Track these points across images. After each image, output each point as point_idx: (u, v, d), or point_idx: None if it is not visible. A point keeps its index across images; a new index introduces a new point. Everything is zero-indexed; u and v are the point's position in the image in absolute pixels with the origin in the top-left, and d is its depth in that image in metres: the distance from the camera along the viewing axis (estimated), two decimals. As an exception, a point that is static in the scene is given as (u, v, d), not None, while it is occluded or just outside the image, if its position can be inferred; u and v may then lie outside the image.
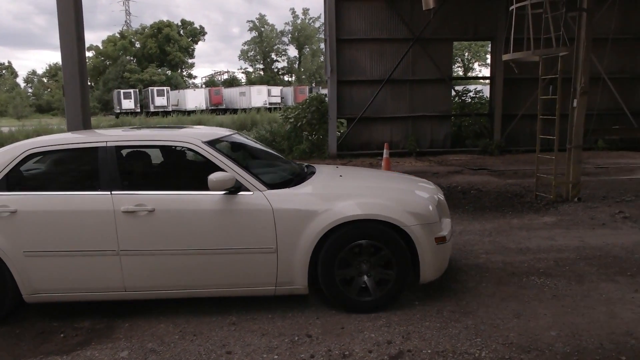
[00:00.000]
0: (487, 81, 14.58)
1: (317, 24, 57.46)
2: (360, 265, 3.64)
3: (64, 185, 3.81)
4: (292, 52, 61.35)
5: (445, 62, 13.56)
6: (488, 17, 13.11)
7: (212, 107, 41.87)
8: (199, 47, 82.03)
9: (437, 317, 3.54)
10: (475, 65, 52.75)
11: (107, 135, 3.85)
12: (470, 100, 14.79)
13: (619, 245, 5.06)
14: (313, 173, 4.21)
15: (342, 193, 3.72)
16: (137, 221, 3.53)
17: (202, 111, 38.54)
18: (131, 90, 41.62)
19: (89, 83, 49.85)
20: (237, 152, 4.20)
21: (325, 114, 13.69)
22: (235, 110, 39.36)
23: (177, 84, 49.97)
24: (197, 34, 57.00)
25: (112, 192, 3.58)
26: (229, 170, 3.60)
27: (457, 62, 50.71)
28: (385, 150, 9.84)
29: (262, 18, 59.61)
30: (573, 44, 7.06)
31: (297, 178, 4.01)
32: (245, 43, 61.78)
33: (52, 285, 3.60)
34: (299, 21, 58.97)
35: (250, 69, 60.75)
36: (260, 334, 3.39)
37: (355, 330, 3.40)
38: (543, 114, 7.52)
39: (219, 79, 60.40)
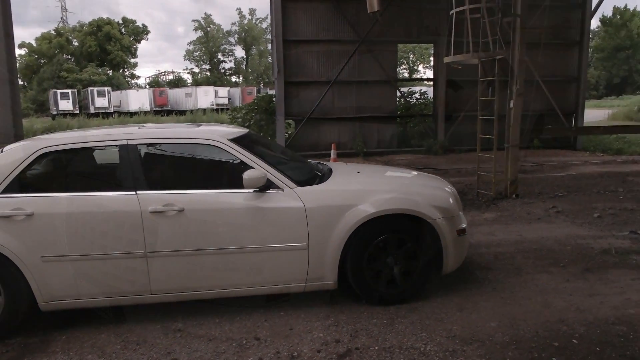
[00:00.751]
0: (431, 83, 15.05)
1: (264, 25, 57.11)
2: (386, 258, 3.71)
3: (83, 185, 3.59)
4: (240, 52, 60.62)
5: (391, 64, 13.86)
6: (431, 21, 13.51)
7: (157, 109, 40.62)
8: (142, 47, 79.20)
9: (384, 314, 3.60)
10: (420, 67, 54.29)
11: (125, 133, 3.66)
12: (415, 101, 15.20)
13: (552, 238, 5.35)
14: (331, 170, 4.25)
15: (368, 189, 3.79)
16: (165, 221, 3.40)
17: (145, 112, 37.30)
18: (69, 91, 39.60)
19: (22, 82, 47.01)
20: (257, 150, 4.04)
21: (273, 115, 13.62)
22: (182, 112, 38.36)
23: (119, 85, 48.08)
24: (139, 33, 55.08)
25: (138, 192, 3.43)
26: (258, 168, 3.56)
27: (403, 64, 51.97)
28: (332, 151, 9.92)
29: (207, 17, 58.52)
30: (509, 48, 7.42)
31: (320, 175, 4.05)
32: (190, 43, 60.46)
33: (73, 291, 3.40)
34: (245, 21, 58.34)
35: (197, 70, 59.47)
36: (207, 339, 3.32)
37: (304, 330, 3.40)
38: (483, 115, 7.84)
39: (164, 79, 58.70)
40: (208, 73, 58.48)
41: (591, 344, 3.10)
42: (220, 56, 59.90)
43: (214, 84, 49.22)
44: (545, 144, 13.98)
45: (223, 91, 43.38)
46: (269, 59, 51.43)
